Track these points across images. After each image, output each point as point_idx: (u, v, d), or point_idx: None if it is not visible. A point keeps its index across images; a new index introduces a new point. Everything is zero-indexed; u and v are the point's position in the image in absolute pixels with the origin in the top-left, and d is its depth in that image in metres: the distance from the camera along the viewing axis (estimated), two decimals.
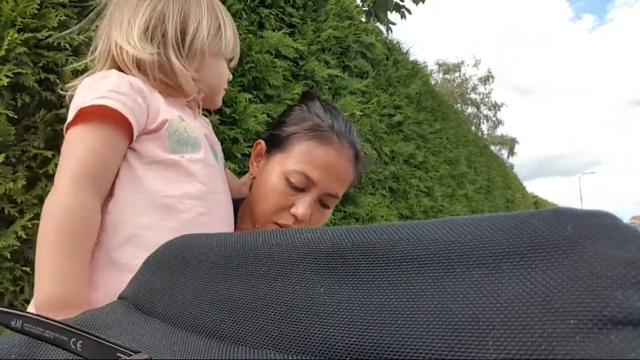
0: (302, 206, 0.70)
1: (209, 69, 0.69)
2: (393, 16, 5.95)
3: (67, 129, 0.56)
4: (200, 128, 0.69)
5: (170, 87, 0.66)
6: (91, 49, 0.68)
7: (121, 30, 0.63)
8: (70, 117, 0.55)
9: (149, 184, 0.59)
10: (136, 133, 0.58)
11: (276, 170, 0.72)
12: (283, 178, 0.71)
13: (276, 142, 0.75)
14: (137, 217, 0.57)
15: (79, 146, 0.54)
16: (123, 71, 0.63)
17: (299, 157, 0.71)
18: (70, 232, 0.51)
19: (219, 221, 0.67)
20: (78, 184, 0.53)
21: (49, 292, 0.48)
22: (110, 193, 0.58)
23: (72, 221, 0.51)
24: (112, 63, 0.64)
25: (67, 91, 0.65)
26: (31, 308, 0.58)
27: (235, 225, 0.76)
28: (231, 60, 0.75)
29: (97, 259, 0.55)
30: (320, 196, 0.72)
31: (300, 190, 0.71)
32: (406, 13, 5.98)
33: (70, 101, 0.62)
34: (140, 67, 0.63)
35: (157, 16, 0.65)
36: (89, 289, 0.51)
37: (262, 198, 0.72)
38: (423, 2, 5.94)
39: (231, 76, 0.76)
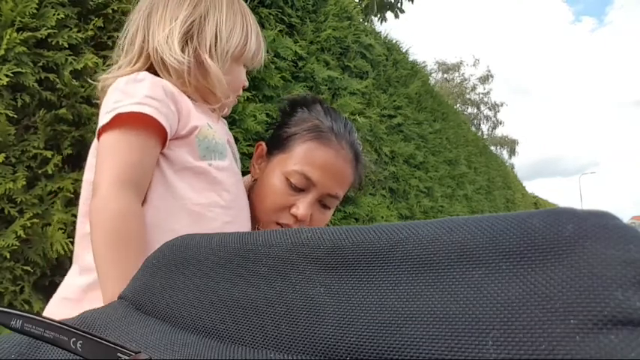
0: (302, 206, 0.71)
1: (228, 74, 0.68)
2: (387, 15, 6.00)
3: (103, 131, 0.56)
4: (223, 133, 0.69)
5: (201, 91, 0.66)
6: (123, 38, 0.67)
7: (163, 31, 0.63)
8: (106, 119, 0.55)
9: (181, 190, 0.60)
10: (168, 139, 0.59)
11: (277, 171, 0.73)
12: (284, 179, 0.72)
13: (276, 143, 0.76)
14: (171, 223, 0.58)
15: (118, 151, 0.55)
16: (155, 71, 0.63)
17: (299, 158, 0.72)
18: (125, 235, 0.52)
19: (244, 228, 0.68)
20: (122, 189, 0.53)
21: (117, 291, 0.49)
22: (144, 199, 0.58)
23: (123, 225, 0.52)
24: (146, 60, 0.64)
25: (98, 81, 0.65)
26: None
27: None
28: (252, 64, 0.74)
29: None
30: (320, 197, 0.73)
31: (300, 190, 0.71)
32: (400, 13, 6.03)
33: (101, 93, 0.62)
34: (176, 72, 0.63)
35: (197, 17, 0.64)
36: None
37: (264, 198, 0.73)
38: (412, 2, 6.00)
39: (247, 85, 0.75)
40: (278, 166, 0.73)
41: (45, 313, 0.60)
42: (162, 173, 0.59)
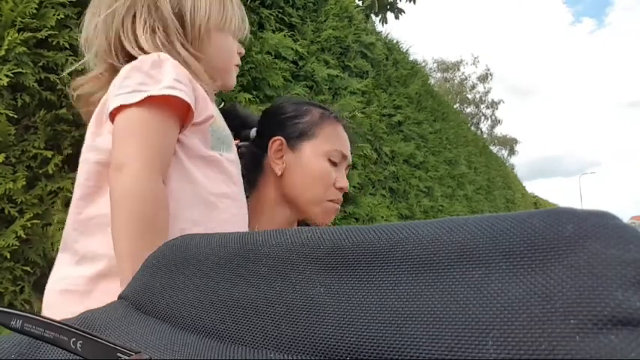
0: (343, 179, 0.82)
1: (215, 47, 0.65)
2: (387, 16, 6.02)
3: (124, 108, 0.53)
4: (224, 122, 0.67)
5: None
6: (85, 40, 0.64)
7: (124, 31, 0.60)
8: (132, 99, 0.52)
9: (197, 178, 0.58)
10: (190, 123, 0.57)
11: (317, 155, 0.80)
12: (326, 160, 0.80)
13: (298, 134, 0.82)
14: (188, 210, 0.56)
15: (150, 133, 0.52)
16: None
17: (330, 138, 0.81)
18: (151, 220, 0.49)
19: (245, 222, 0.66)
20: (152, 171, 0.51)
21: None
22: None
23: (152, 209, 0.50)
24: (112, 69, 0.61)
25: (71, 88, 0.64)
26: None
27: None
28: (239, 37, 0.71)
29: None
30: (347, 166, 0.85)
31: (335, 165, 0.82)
32: (400, 14, 6.05)
33: (79, 103, 0.61)
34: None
35: (147, 5, 0.60)
36: None
37: (311, 184, 0.80)
38: (415, 3, 6.02)
39: (243, 52, 0.72)
40: (314, 151, 0.80)
41: (48, 309, 0.58)
42: (179, 160, 0.57)
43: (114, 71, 0.61)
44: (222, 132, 0.63)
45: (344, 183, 0.82)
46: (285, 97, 0.93)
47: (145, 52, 0.59)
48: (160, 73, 0.55)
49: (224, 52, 0.67)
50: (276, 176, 0.80)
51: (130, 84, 0.54)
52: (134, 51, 0.60)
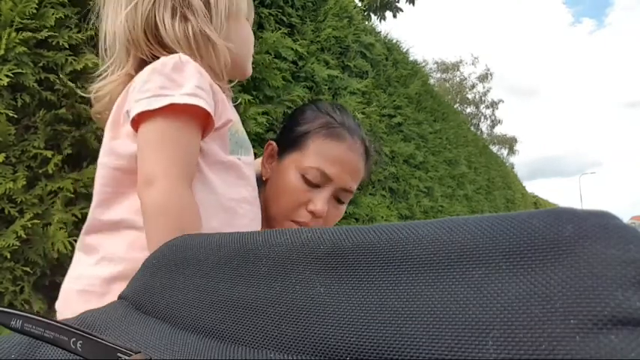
0: (319, 202, 0.71)
1: (236, 34, 0.64)
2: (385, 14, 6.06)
3: (149, 116, 0.52)
4: (240, 122, 0.66)
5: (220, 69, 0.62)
6: (103, 41, 0.62)
7: (157, 20, 0.58)
8: (155, 105, 0.52)
9: (216, 185, 0.57)
10: (212, 131, 0.56)
11: (292, 168, 0.73)
12: (299, 176, 0.72)
13: (288, 142, 0.76)
14: (209, 219, 0.55)
15: (176, 141, 0.52)
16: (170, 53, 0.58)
17: (315, 155, 0.72)
18: (187, 227, 0.49)
19: (259, 224, 0.66)
20: (183, 183, 0.51)
21: None
22: None
23: (190, 216, 0.50)
24: (135, 58, 0.59)
25: (89, 92, 0.62)
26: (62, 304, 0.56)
27: None
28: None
29: None
30: (335, 192, 0.73)
31: (315, 186, 0.72)
32: (398, 13, 6.08)
33: (97, 104, 0.59)
34: (183, 48, 0.58)
35: None
36: None
37: (279, 197, 0.73)
38: (413, 4, 6.04)
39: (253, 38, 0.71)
40: (292, 163, 0.73)
41: (67, 308, 0.57)
42: (200, 168, 0.57)
43: (139, 67, 0.59)
44: (240, 135, 0.62)
45: (318, 207, 0.70)
46: (314, 101, 0.82)
47: (178, 42, 0.58)
48: (181, 77, 0.55)
49: (248, 40, 0.67)
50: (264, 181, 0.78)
51: (150, 87, 0.53)
52: (167, 39, 0.58)
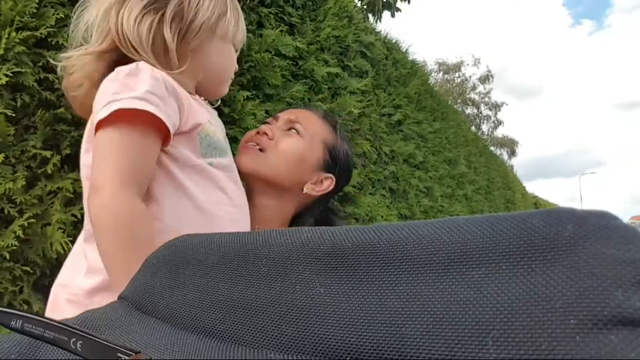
0: None
1: (215, 53, 0.65)
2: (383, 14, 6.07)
3: (102, 125, 0.53)
4: (219, 126, 0.67)
5: (193, 79, 0.64)
6: (79, 20, 0.62)
7: (124, 7, 0.59)
8: (104, 113, 0.53)
9: (190, 189, 0.58)
10: (171, 137, 0.57)
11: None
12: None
13: None
14: (185, 226, 0.56)
15: (120, 149, 0.53)
16: (124, 54, 0.59)
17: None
18: (135, 235, 0.50)
19: (247, 226, 0.66)
20: (125, 187, 0.51)
21: None
22: (152, 199, 0.57)
23: (134, 225, 0.51)
24: (111, 41, 0.59)
25: (59, 60, 0.62)
26: (50, 313, 0.57)
27: None
28: (236, 50, 0.71)
29: None
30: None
31: None
32: (395, 12, 6.09)
33: (64, 74, 0.59)
34: (142, 50, 0.59)
35: None
36: None
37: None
38: (409, 3, 6.06)
39: (237, 67, 0.73)
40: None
41: (52, 314, 0.59)
42: (169, 172, 0.57)
43: (108, 54, 0.60)
44: (212, 137, 0.62)
45: None
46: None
47: (134, 32, 0.58)
48: (134, 81, 0.55)
49: (223, 61, 0.68)
50: None
51: (106, 96, 0.55)
52: (118, 31, 0.58)
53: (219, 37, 0.65)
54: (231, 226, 0.61)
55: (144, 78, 0.56)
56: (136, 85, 0.55)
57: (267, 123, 0.82)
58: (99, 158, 0.54)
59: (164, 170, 0.57)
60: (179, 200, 0.57)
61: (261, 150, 0.76)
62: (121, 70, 0.57)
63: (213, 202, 0.60)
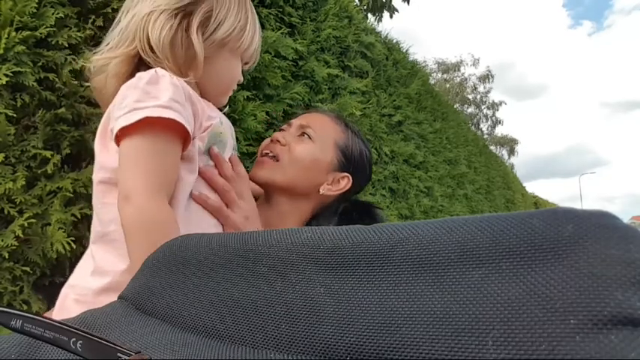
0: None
1: (223, 64, 0.67)
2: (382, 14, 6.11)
3: (127, 133, 0.54)
4: (229, 128, 0.69)
5: (201, 87, 0.66)
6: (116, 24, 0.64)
7: (150, 6, 0.60)
8: (130, 119, 0.53)
9: (201, 190, 0.61)
10: (190, 142, 0.58)
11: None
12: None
13: None
14: (202, 227, 0.59)
15: (150, 158, 0.54)
16: (143, 58, 0.61)
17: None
18: (164, 240, 0.51)
19: (253, 224, 0.69)
20: (156, 196, 0.52)
21: None
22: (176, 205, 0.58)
23: (163, 234, 0.50)
24: (134, 48, 0.61)
25: (89, 61, 0.63)
26: (58, 313, 0.58)
27: None
28: (246, 63, 0.73)
29: None
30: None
31: None
32: (395, 13, 6.13)
33: (93, 75, 0.61)
34: (160, 51, 0.60)
35: None
36: None
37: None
38: (408, 3, 6.09)
39: (242, 79, 0.74)
40: None
41: (64, 315, 0.59)
42: (185, 182, 0.59)
43: (137, 58, 0.62)
44: (221, 137, 0.64)
45: None
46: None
47: (156, 35, 0.60)
48: (156, 89, 0.56)
49: (228, 72, 0.69)
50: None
51: (128, 103, 0.55)
52: (141, 34, 0.60)
53: (228, 50, 0.67)
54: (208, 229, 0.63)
55: (165, 85, 0.57)
56: (158, 93, 0.56)
57: (281, 130, 0.85)
58: (127, 166, 0.54)
59: (182, 176, 0.59)
60: (189, 205, 0.59)
61: (275, 158, 0.80)
62: (141, 77, 0.57)
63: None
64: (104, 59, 0.62)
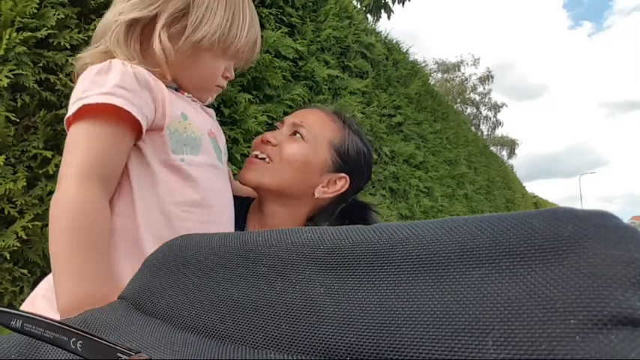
0: None
1: (203, 63, 0.64)
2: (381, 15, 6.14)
3: (70, 123, 0.54)
4: (203, 123, 0.65)
5: (178, 79, 0.63)
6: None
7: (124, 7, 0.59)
8: (72, 110, 0.53)
9: (160, 188, 0.57)
10: (144, 129, 0.56)
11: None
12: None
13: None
14: (151, 224, 0.56)
15: (84, 143, 0.53)
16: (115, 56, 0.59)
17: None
18: (84, 230, 0.49)
19: (225, 227, 0.65)
20: (84, 180, 0.51)
21: (73, 293, 0.47)
22: (117, 194, 0.56)
23: (83, 218, 0.50)
24: (106, 47, 0.60)
25: (76, 60, 0.62)
26: (28, 306, 0.57)
27: (240, 225, 0.76)
28: (243, 61, 0.70)
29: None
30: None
31: None
32: (391, 14, 6.15)
33: (79, 72, 0.60)
34: (124, 54, 0.58)
35: None
36: (113, 284, 0.50)
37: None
38: (403, 5, 6.11)
39: (232, 77, 0.72)
40: None
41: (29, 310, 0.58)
42: (136, 167, 0.57)
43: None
44: (183, 133, 0.61)
45: None
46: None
47: (118, 30, 0.58)
48: (103, 78, 0.55)
49: (205, 72, 0.66)
50: None
51: (76, 93, 0.55)
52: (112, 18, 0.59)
53: (207, 50, 0.64)
54: (196, 228, 0.59)
55: (114, 73, 0.55)
56: (104, 81, 0.54)
57: (274, 128, 0.80)
58: (65, 154, 0.53)
59: (132, 165, 0.57)
60: (151, 199, 0.57)
61: (264, 159, 0.75)
62: (93, 68, 0.56)
63: (179, 202, 0.58)
64: (82, 59, 0.61)
